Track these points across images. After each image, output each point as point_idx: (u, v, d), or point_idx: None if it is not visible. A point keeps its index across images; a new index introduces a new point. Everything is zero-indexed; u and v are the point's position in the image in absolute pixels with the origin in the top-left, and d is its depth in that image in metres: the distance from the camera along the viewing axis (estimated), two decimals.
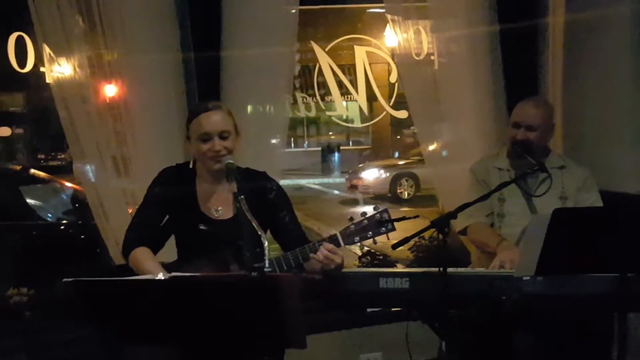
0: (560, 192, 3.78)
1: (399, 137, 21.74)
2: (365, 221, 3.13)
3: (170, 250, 3.41)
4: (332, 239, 3.11)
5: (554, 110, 4.09)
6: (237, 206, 2.89)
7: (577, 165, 3.97)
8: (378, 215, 3.13)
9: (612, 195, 4.23)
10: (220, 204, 3.26)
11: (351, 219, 3.17)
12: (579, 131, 4.94)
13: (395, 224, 3.20)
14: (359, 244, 3.17)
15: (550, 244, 2.77)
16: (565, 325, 3.38)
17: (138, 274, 3.08)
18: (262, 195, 3.25)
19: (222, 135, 3.17)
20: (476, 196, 3.44)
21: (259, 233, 2.74)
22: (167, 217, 3.31)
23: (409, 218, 3.19)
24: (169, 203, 3.28)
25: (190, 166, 3.30)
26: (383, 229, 3.13)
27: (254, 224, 2.78)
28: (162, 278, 2.29)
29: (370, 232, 3.13)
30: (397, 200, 15.17)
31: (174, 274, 2.36)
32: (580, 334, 3.41)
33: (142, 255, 3.19)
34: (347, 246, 3.18)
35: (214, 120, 3.19)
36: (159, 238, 3.35)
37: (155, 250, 3.31)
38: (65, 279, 2.23)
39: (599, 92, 4.86)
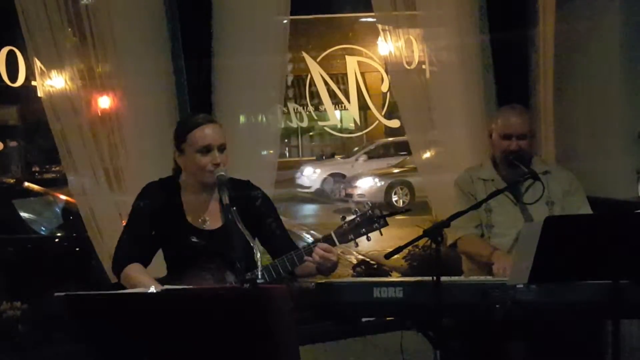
0: (546, 197, 3.78)
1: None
2: (358, 219, 3.13)
3: (159, 266, 3.39)
4: (327, 239, 3.12)
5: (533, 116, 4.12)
6: (229, 217, 2.89)
7: (561, 169, 3.98)
8: (370, 212, 3.13)
9: (604, 202, 4.24)
10: (207, 214, 3.26)
11: (343, 218, 3.17)
12: (570, 138, 4.96)
13: (391, 232, 3.21)
14: (353, 241, 3.16)
15: (543, 251, 2.77)
16: (558, 333, 3.38)
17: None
18: (248, 204, 3.24)
19: (221, 148, 3.18)
20: (464, 208, 3.44)
21: (252, 244, 2.74)
22: (153, 231, 3.30)
23: (400, 212, 3.21)
24: (156, 217, 3.26)
25: (182, 178, 3.30)
26: (375, 225, 3.12)
27: (246, 235, 2.78)
28: (155, 291, 2.28)
29: (363, 229, 3.13)
30: (391, 208, 15.16)
31: (166, 286, 2.35)
32: (573, 341, 3.41)
33: (134, 271, 3.19)
34: (342, 250, 3.18)
35: (215, 133, 3.19)
36: (147, 254, 3.33)
37: (144, 266, 3.30)
38: (56, 293, 2.22)
39: (589, 101, 4.88)
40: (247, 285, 2.32)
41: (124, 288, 3.15)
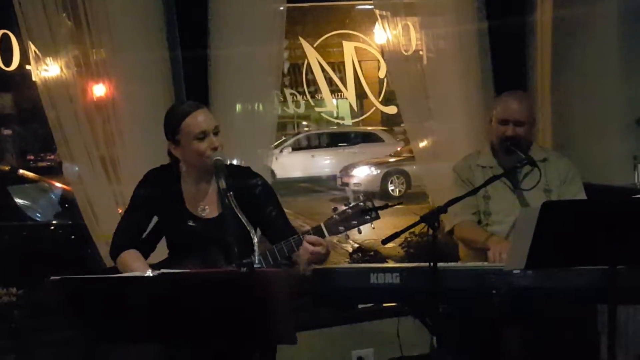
0: (544, 184, 3.79)
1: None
2: (349, 210, 3.10)
3: (160, 251, 3.42)
4: (316, 230, 3.09)
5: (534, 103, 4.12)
6: (226, 203, 2.89)
7: (559, 157, 3.98)
8: (361, 204, 3.10)
9: (601, 188, 4.25)
10: (206, 202, 3.27)
11: (335, 209, 3.15)
12: (568, 126, 4.97)
13: (387, 221, 3.19)
14: (344, 234, 3.14)
15: (539, 237, 2.77)
16: (555, 318, 3.39)
17: None
18: (248, 191, 3.25)
19: (215, 131, 3.19)
20: (461, 195, 3.43)
21: (248, 229, 2.73)
22: (155, 219, 3.34)
23: (392, 205, 3.16)
24: (156, 204, 3.29)
25: (183, 169, 3.30)
26: (367, 217, 3.09)
27: (243, 220, 2.77)
28: (151, 275, 2.28)
29: (354, 222, 3.10)
30: (387, 197, 15.16)
31: (162, 270, 2.35)
32: (570, 326, 3.42)
33: (129, 257, 3.21)
34: (332, 237, 3.16)
35: (207, 117, 3.21)
36: (150, 241, 3.37)
37: (146, 253, 3.32)
38: (51, 277, 2.21)
39: (586, 88, 4.89)
40: (244, 269, 2.31)
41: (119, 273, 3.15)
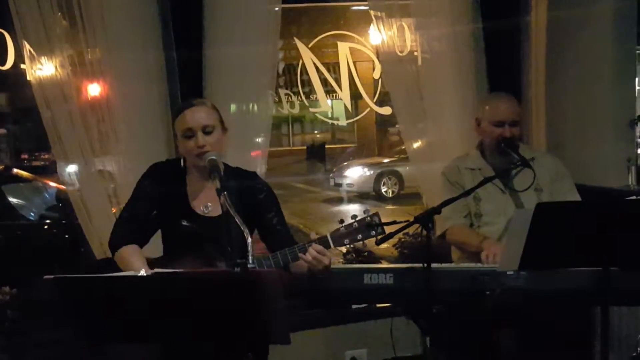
0: (535, 184, 3.79)
1: (383, 135, 21.79)
2: (356, 224, 3.10)
3: (156, 246, 3.39)
4: (322, 241, 3.08)
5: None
6: (221, 203, 2.88)
7: (545, 155, 4.00)
8: (369, 218, 3.10)
9: (595, 190, 4.26)
10: (209, 201, 3.24)
11: (342, 221, 3.14)
12: (561, 127, 4.97)
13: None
14: (348, 246, 3.16)
15: (533, 238, 2.78)
16: (548, 319, 3.40)
17: (122, 271, 3.05)
18: (250, 195, 3.24)
19: (206, 130, 3.16)
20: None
21: (242, 229, 2.73)
22: (155, 212, 3.30)
23: (401, 222, 3.17)
24: (159, 199, 3.25)
25: (182, 164, 3.29)
26: (373, 232, 3.10)
27: (237, 220, 2.76)
28: (145, 274, 2.28)
29: (360, 235, 3.10)
30: (380, 198, 15.20)
31: (156, 270, 2.35)
32: (563, 327, 3.43)
33: (128, 253, 3.16)
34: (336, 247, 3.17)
35: (197, 115, 3.18)
36: (146, 232, 3.32)
37: (141, 246, 3.28)
38: (45, 276, 2.21)
39: (580, 89, 4.89)
40: (238, 269, 2.31)
41: (111, 266, 3.13)
